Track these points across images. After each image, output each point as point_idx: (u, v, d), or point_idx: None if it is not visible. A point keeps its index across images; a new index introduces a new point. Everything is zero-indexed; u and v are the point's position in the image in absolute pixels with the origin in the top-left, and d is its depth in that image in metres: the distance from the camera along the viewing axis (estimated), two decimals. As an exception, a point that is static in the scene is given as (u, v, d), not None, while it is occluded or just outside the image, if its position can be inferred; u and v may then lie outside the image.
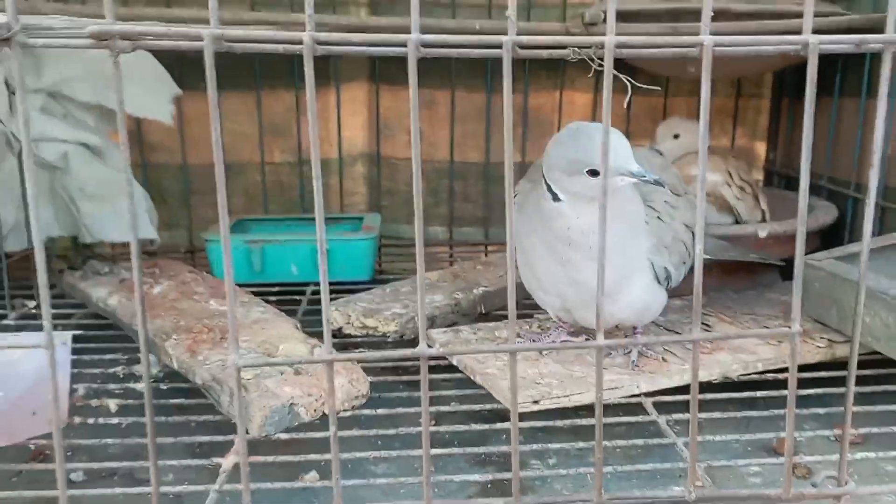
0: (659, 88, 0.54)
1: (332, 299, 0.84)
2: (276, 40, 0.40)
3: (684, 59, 0.43)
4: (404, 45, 0.39)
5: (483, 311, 0.83)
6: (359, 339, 0.77)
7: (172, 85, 0.92)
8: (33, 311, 0.86)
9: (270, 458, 0.53)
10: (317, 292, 0.92)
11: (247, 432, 0.56)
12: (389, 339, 0.76)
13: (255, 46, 0.40)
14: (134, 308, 0.76)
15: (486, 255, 1.10)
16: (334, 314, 0.79)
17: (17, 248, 0.89)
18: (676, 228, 0.65)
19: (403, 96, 1.12)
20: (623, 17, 0.79)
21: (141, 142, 1.07)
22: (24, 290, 0.90)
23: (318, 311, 0.83)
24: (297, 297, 0.91)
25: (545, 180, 0.58)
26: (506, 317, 0.83)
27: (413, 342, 0.77)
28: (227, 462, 0.52)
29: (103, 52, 0.96)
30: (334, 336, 0.78)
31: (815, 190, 1.03)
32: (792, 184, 1.09)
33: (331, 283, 0.97)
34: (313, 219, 1.18)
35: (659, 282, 0.64)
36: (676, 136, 0.96)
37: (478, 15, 1.07)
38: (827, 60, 0.98)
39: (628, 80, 0.44)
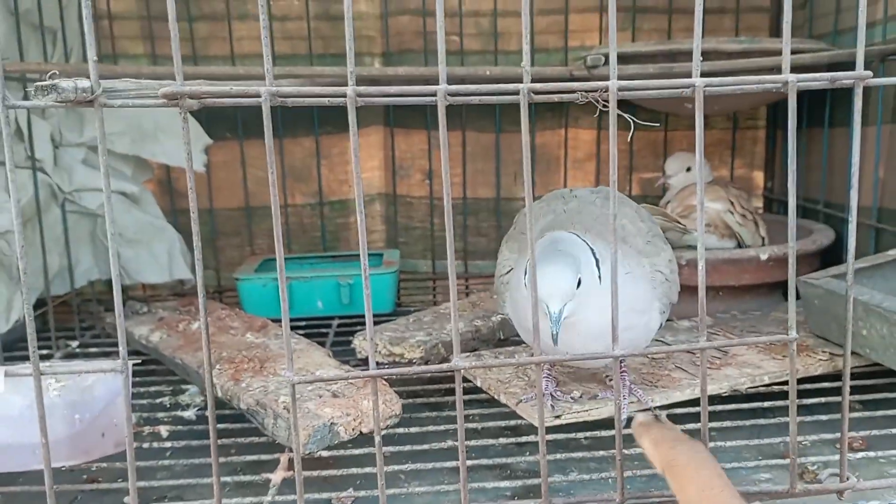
0: (658, 125, 0.59)
1: (356, 330, 0.89)
2: (323, 94, 0.46)
3: (680, 98, 0.49)
4: (434, 95, 0.45)
5: (502, 338, 0.88)
6: (386, 366, 0.81)
7: (203, 136, 0.98)
8: (76, 350, 0.91)
9: (315, 473, 0.57)
10: (342, 325, 0.98)
11: (291, 450, 0.61)
12: (416, 364, 0.81)
13: (305, 101, 0.46)
14: (175, 342, 0.81)
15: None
16: (361, 343, 0.83)
17: (62, 292, 0.94)
18: (677, 280, 0.66)
19: (416, 139, 1.19)
20: (622, 59, 0.85)
21: (171, 190, 1.13)
22: (66, 332, 0.95)
23: (345, 342, 0.88)
24: (324, 330, 0.95)
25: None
26: (522, 342, 0.88)
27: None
28: (276, 477, 0.56)
29: (139, 110, 1.02)
30: (362, 363, 0.83)
31: (812, 214, 1.08)
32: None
33: (353, 316, 1.03)
34: (336, 256, 1.23)
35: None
36: (689, 169, 1.01)
37: (483, 61, 1.14)
38: (818, 95, 1.05)
39: (631, 119, 0.49)
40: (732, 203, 0.93)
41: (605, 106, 0.45)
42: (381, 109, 1.17)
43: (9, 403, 0.47)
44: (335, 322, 0.99)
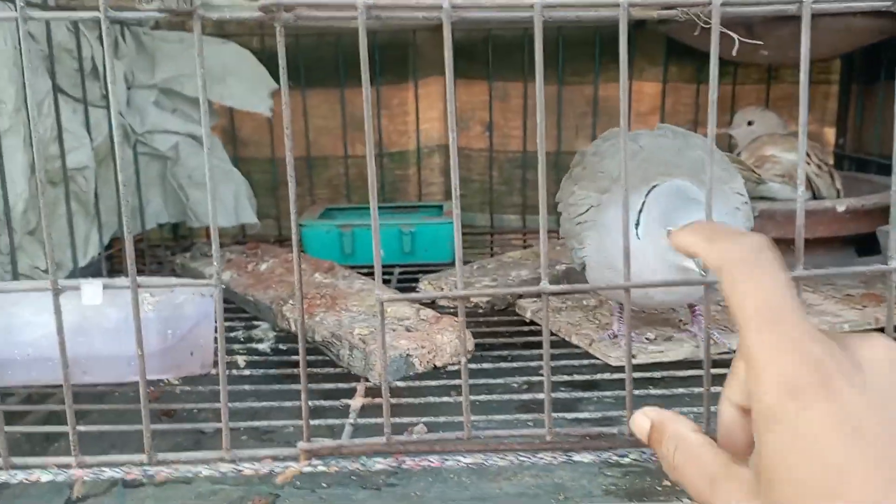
0: (762, 43, 0.57)
1: (418, 278, 0.89)
2: (417, 7, 0.45)
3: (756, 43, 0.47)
4: (530, 9, 0.44)
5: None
6: (452, 310, 0.81)
7: (270, 80, 0.99)
8: (146, 290, 0.94)
9: (392, 401, 0.58)
10: (404, 272, 0.98)
11: (367, 379, 0.62)
12: (481, 310, 0.81)
13: (399, 12, 0.45)
14: (246, 281, 0.82)
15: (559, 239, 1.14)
16: (428, 287, 0.84)
17: (134, 233, 0.96)
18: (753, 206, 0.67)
19: (477, 90, 1.18)
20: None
21: (234, 138, 1.14)
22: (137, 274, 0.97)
23: (409, 289, 0.88)
24: (386, 277, 0.96)
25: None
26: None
27: (504, 311, 0.82)
28: (355, 403, 0.57)
29: (208, 51, 1.02)
30: (427, 307, 0.83)
31: (887, 170, 1.04)
32: (863, 167, 1.11)
33: (414, 265, 1.03)
34: (395, 206, 1.23)
35: None
36: (750, 123, 1.00)
37: None
38: (891, 48, 1.00)
39: (735, 37, 0.48)
40: (808, 154, 0.90)
41: (706, 23, 0.44)
42: (442, 58, 1.16)
43: (105, 315, 0.48)
44: (396, 270, 0.99)
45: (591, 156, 0.71)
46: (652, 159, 0.61)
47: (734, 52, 0.49)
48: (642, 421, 0.36)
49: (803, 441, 0.25)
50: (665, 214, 0.55)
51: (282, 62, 0.45)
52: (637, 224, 0.57)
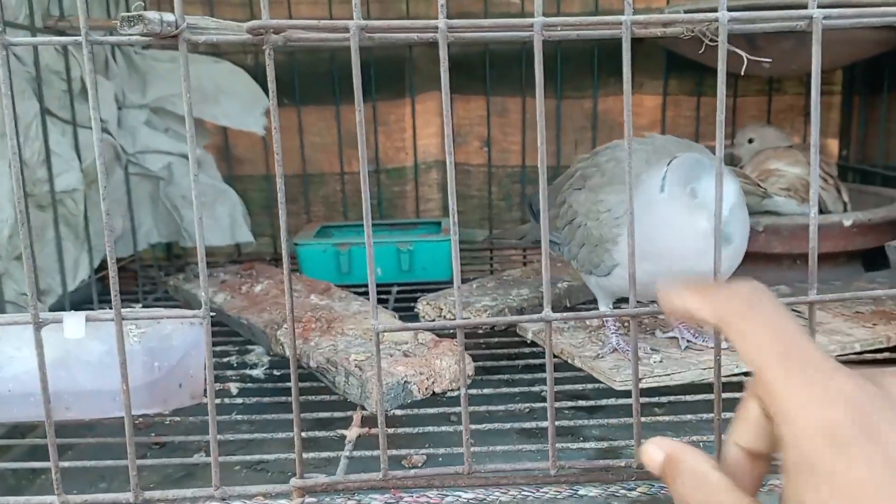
0: (770, 60, 0.56)
1: (416, 297, 0.87)
2: (412, 28, 0.43)
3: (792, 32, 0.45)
4: (530, 28, 0.43)
5: (568, 305, 0.86)
6: (452, 331, 0.79)
7: (264, 99, 0.97)
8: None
9: (389, 431, 0.56)
10: (402, 291, 0.96)
11: (363, 408, 0.60)
12: (481, 331, 0.79)
13: (394, 36, 0.44)
14: (239, 304, 0.80)
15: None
16: (426, 308, 0.82)
17: (125, 255, 0.95)
18: None
19: (474, 106, 1.16)
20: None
21: (229, 156, 1.12)
22: (129, 295, 0.95)
23: (407, 308, 0.86)
24: (383, 297, 0.94)
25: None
26: (591, 308, 0.85)
27: (504, 332, 0.80)
28: (351, 433, 0.55)
29: (200, 70, 1.02)
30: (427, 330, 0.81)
31: (892, 181, 1.03)
32: (867, 178, 1.09)
33: (412, 283, 1.01)
34: (392, 224, 1.21)
35: None
36: (751, 141, 0.99)
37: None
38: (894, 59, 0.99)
39: (744, 55, 0.46)
40: (812, 167, 0.88)
41: (712, 41, 0.42)
42: (439, 75, 1.14)
43: (88, 349, 0.46)
44: (394, 289, 0.97)
45: (607, 163, 0.70)
46: (663, 150, 0.65)
47: (742, 72, 0.47)
48: (655, 453, 0.34)
49: (847, 490, 0.24)
50: (687, 175, 0.59)
51: (271, 85, 0.43)
52: (662, 188, 0.60)
